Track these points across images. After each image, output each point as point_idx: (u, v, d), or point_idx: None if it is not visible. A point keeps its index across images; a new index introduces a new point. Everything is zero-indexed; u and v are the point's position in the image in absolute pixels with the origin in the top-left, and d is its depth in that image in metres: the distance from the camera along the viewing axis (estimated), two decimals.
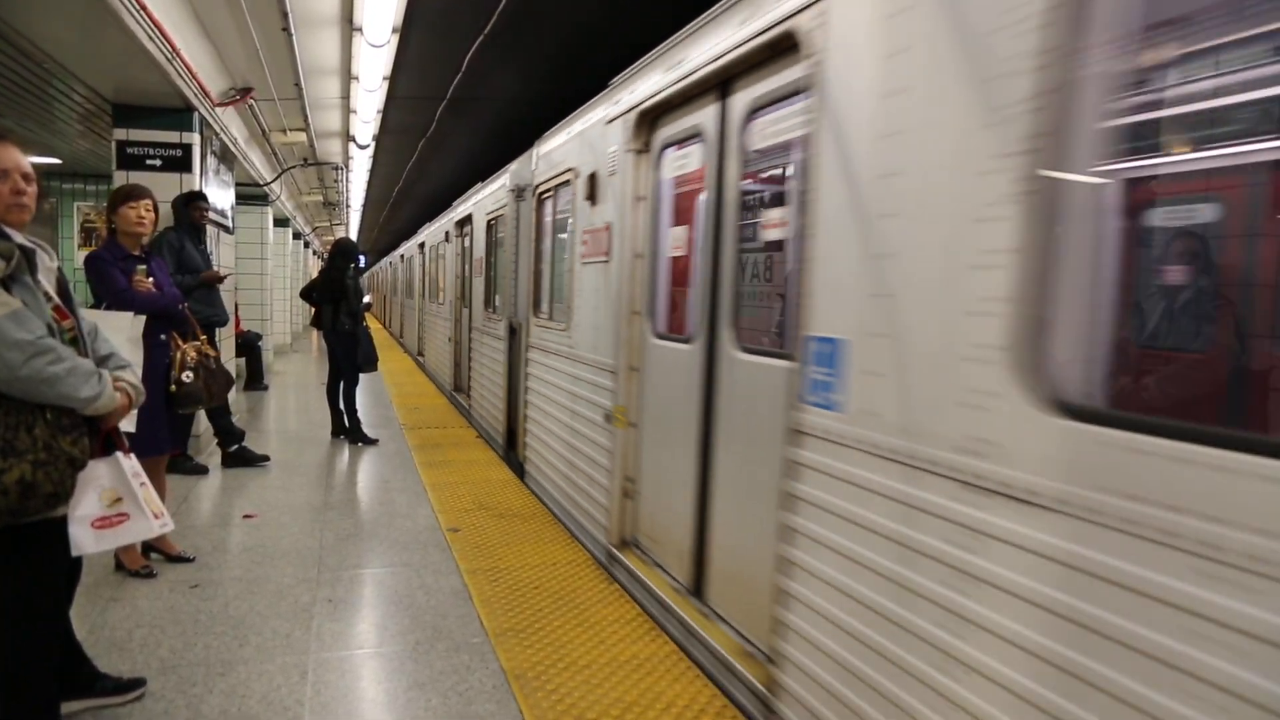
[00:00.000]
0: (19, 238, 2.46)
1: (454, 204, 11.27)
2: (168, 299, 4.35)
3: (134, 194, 4.28)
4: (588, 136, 5.07)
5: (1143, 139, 2.52)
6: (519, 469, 6.70)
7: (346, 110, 9.45)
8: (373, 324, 23.85)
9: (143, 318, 3.73)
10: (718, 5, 3.45)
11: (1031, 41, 1.76)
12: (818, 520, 2.53)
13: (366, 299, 8.62)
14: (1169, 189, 2.80)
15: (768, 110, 3.19)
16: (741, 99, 3.35)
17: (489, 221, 8.40)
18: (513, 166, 7.21)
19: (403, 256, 19.38)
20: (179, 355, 4.33)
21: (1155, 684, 1.49)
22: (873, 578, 2.25)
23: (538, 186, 6.32)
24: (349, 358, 7.80)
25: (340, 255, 8.01)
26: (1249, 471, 1.36)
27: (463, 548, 4.81)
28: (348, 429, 7.90)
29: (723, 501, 3.46)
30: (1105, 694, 1.58)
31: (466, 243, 10.01)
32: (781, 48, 2.94)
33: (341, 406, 7.93)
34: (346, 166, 13.53)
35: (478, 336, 8.92)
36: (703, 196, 3.69)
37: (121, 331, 3.50)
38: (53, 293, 2.57)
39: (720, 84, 3.48)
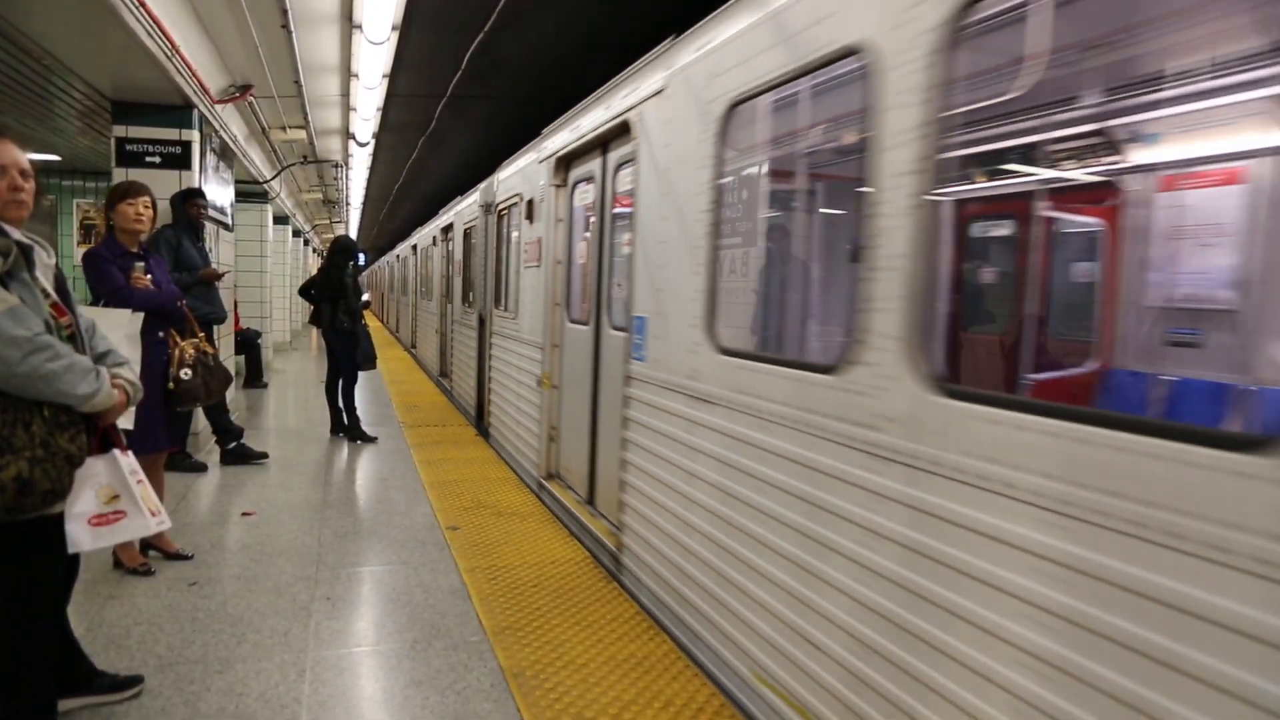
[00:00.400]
0: (17, 234, 2.46)
1: (440, 212, 12.77)
2: (165, 296, 4.35)
3: (131, 191, 4.27)
4: (527, 171, 6.59)
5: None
6: (485, 433, 8.24)
7: (346, 108, 9.44)
8: (372, 322, 23.91)
9: (140, 315, 3.72)
10: (594, 94, 5.05)
11: (706, 176, 3.33)
12: (638, 431, 4.00)
13: (365, 297, 8.63)
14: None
15: (625, 166, 4.55)
16: (613, 156, 4.80)
17: (465, 230, 9.83)
18: (481, 186, 8.80)
19: (399, 256, 21.00)
20: (177, 353, 4.33)
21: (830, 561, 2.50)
22: (665, 465, 3.66)
23: (496, 205, 7.91)
24: (348, 356, 7.80)
25: (340, 253, 8.01)
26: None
27: (461, 546, 4.81)
28: (347, 427, 7.90)
29: (603, 434, 4.92)
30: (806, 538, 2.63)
31: (450, 247, 11.39)
32: (624, 128, 4.36)
33: (340, 404, 7.92)
34: (346, 164, 13.52)
35: (456, 327, 10.54)
36: (593, 220, 5.23)
37: (119, 329, 3.49)
38: (50, 290, 2.56)
39: (601, 144, 4.94)
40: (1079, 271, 4.28)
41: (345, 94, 8.77)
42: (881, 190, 2.23)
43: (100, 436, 2.69)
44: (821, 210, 4.82)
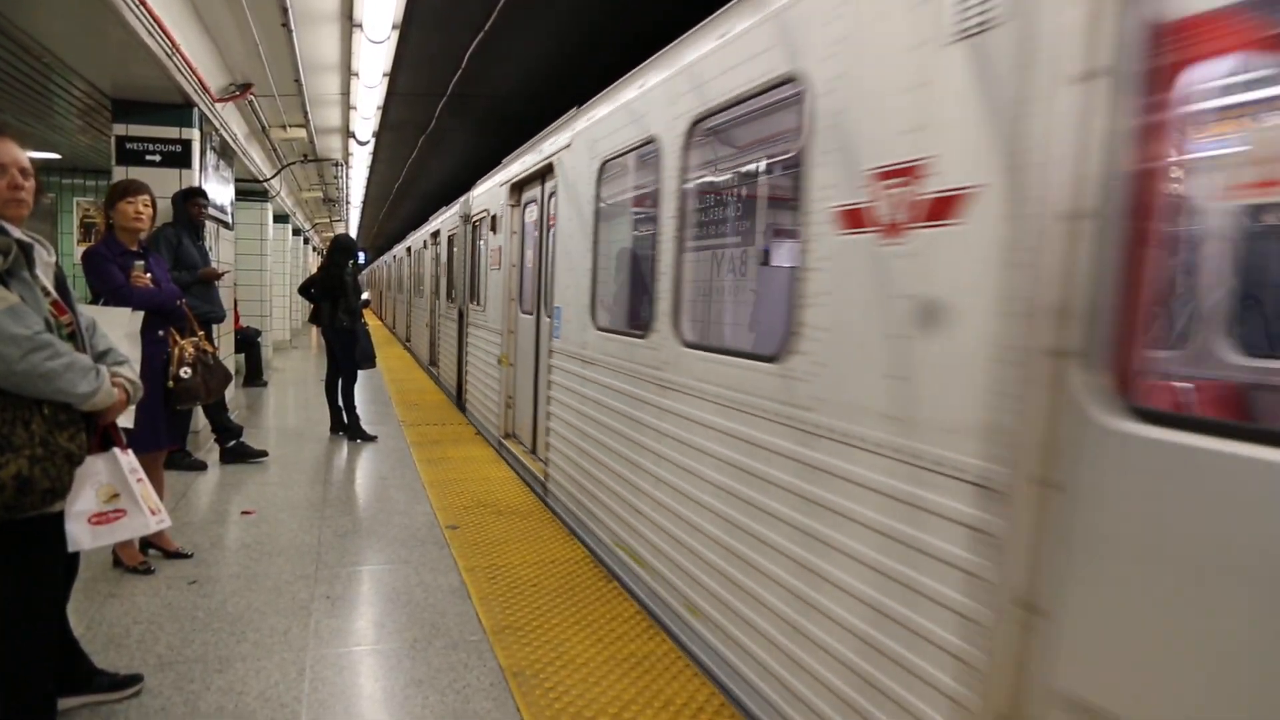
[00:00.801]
0: (17, 233, 2.45)
1: (429, 219, 14.31)
2: (165, 295, 4.35)
3: (131, 189, 4.27)
4: (492, 191, 8.12)
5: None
6: (463, 409, 9.74)
7: (346, 106, 9.44)
8: (371, 321, 23.92)
9: (140, 314, 3.71)
10: (534, 138, 6.56)
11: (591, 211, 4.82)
12: (555, 390, 5.40)
13: (365, 296, 8.64)
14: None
15: (555, 194, 5.73)
16: (549, 185, 6.10)
17: (449, 236, 11.28)
18: (461, 200, 10.32)
19: (395, 257, 22.26)
20: (177, 351, 4.33)
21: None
22: (569, 409, 5.11)
23: (470, 217, 9.48)
24: (347, 354, 7.79)
25: (339, 251, 8.00)
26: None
27: (461, 545, 4.81)
28: (346, 425, 7.90)
29: (541, 398, 6.01)
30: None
31: (437, 250, 12.77)
32: (550, 168, 5.87)
33: (340, 403, 7.92)
34: (346, 163, 13.52)
35: (442, 321, 12.14)
36: (536, 234, 6.75)
37: (119, 327, 3.48)
38: (50, 288, 2.56)
39: (541, 174, 6.30)
40: None
41: (345, 93, 8.77)
42: (812, 210, 2.63)
43: (100, 435, 2.69)
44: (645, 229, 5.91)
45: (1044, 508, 1.75)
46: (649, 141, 3.95)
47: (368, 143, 11.19)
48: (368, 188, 17.85)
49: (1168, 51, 1.65)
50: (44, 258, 2.58)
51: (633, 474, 4.07)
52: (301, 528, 5.08)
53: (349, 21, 6.47)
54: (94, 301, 4.16)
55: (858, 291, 2.36)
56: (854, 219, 2.39)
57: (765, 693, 2.83)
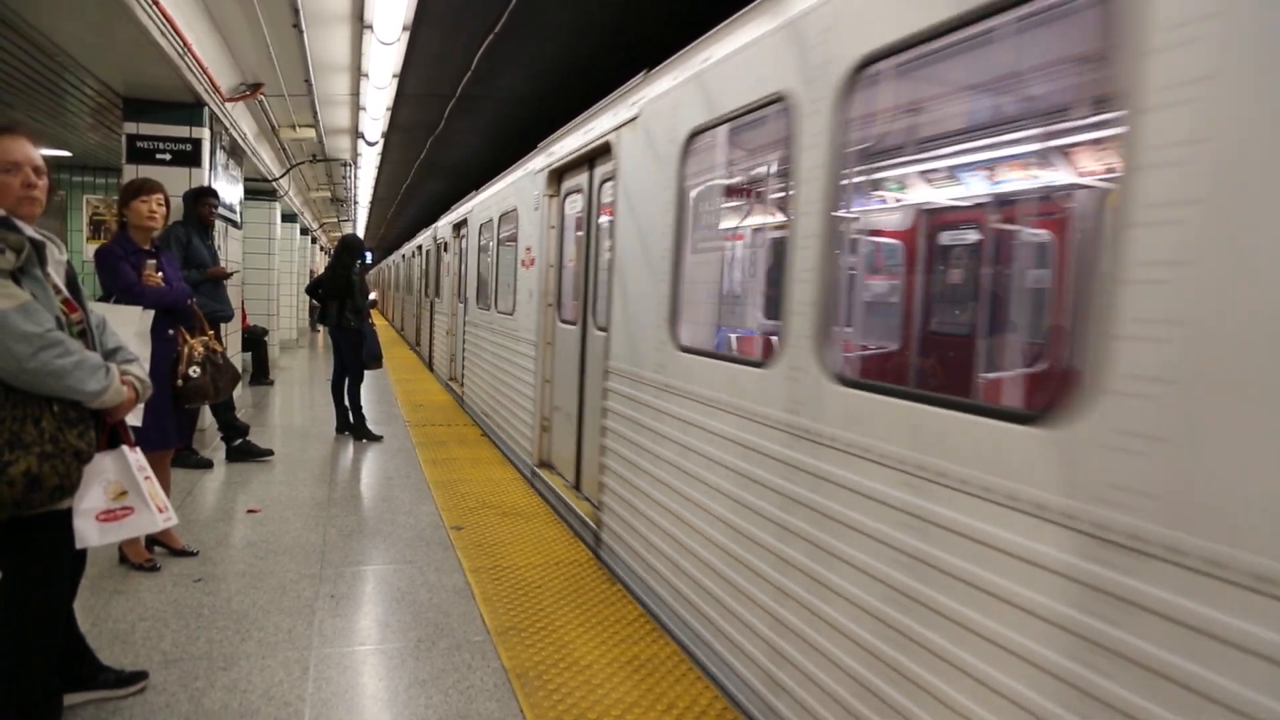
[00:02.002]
0: (29, 230, 2.47)
1: (432, 225, 15.08)
2: (176, 294, 4.37)
3: (145, 188, 4.28)
4: (474, 211, 9.83)
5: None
6: (459, 398, 10.56)
7: (356, 107, 9.46)
8: (379, 321, 24.08)
9: (151, 312, 3.72)
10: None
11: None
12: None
13: (371, 296, 8.65)
14: None
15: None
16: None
17: (445, 242, 12.67)
18: (451, 214, 12.03)
19: (404, 257, 22.41)
20: (186, 350, 4.34)
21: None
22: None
23: (458, 227, 11.21)
24: (354, 354, 7.81)
25: (346, 252, 8.03)
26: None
27: (466, 546, 4.82)
28: (352, 425, 7.92)
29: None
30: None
31: (441, 252, 13.48)
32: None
33: (346, 403, 7.94)
34: (355, 163, 13.55)
35: (438, 317, 13.48)
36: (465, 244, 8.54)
37: (130, 325, 3.50)
38: (62, 286, 2.58)
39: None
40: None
41: (355, 93, 8.79)
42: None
43: (108, 432, 2.70)
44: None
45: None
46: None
47: (376, 143, 11.21)
48: (375, 188, 17.87)
49: None
50: (55, 255, 2.60)
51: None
52: (307, 527, 5.10)
53: (359, 23, 6.49)
54: (104, 299, 4.17)
55: None
56: None
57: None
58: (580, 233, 5.74)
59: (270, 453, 6.85)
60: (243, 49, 7.07)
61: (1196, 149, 1.48)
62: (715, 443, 3.24)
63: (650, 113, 4.08)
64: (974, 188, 3.46)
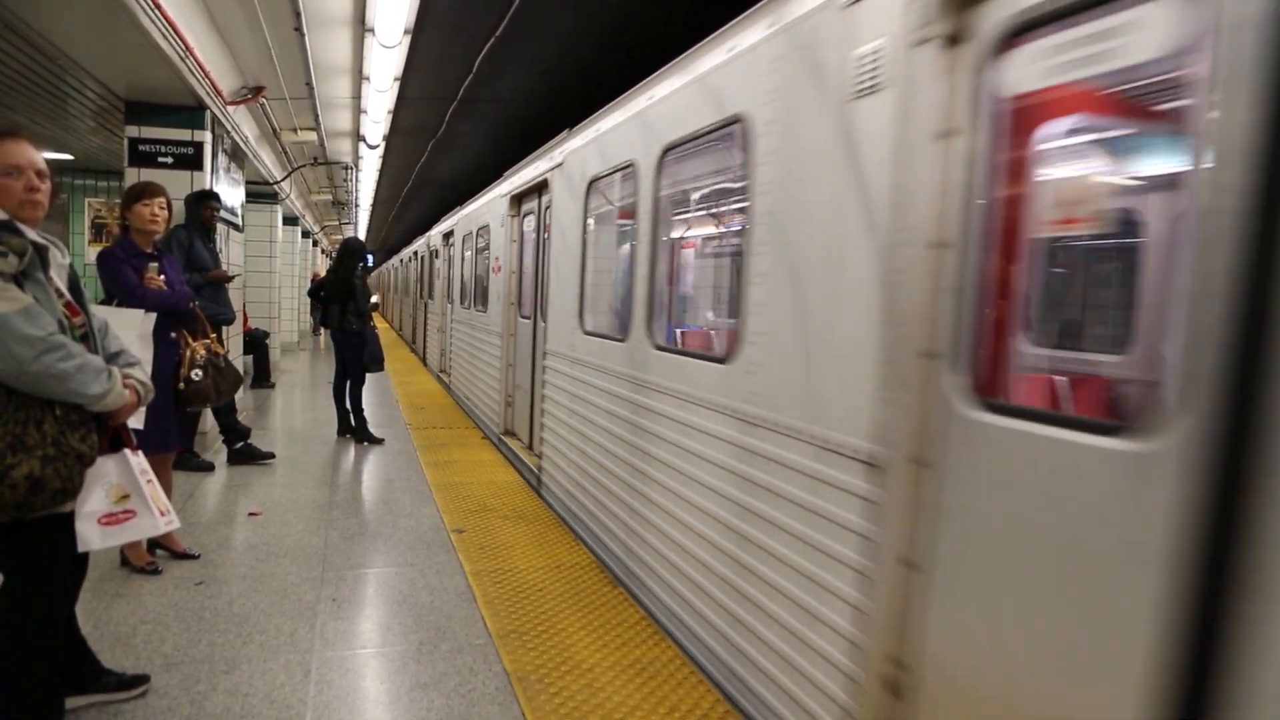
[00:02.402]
0: (32, 234, 2.47)
1: (426, 233, 16.28)
2: (179, 297, 4.37)
3: (148, 191, 4.28)
4: (459, 223, 11.27)
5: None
6: (446, 385, 11.94)
7: (357, 110, 9.47)
8: (379, 324, 24.17)
9: (153, 315, 3.72)
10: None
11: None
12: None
13: (373, 299, 8.68)
14: None
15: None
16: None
17: (436, 249, 13.98)
18: (442, 225, 13.17)
19: (401, 261, 24.03)
20: (188, 353, 4.35)
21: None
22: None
23: (449, 237, 12.24)
24: (355, 357, 7.81)
25: (348, 255, 8.03)
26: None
27: (467, 549, 4.81)
28: (353, 428, 7.92)
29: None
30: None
31: (434, 259, 14.66)
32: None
33: (348, 405, 7.94)
34: (356, 166, 13.57)
35: (431, 316, 14.87)
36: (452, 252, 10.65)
37: (132, 329, 3.50)
38: (64, 289, 2.58)
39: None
40: None
41: (356, 96, 8.80)
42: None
43: (111, 436, 2.70)
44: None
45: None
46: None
47: (378, 146, 11.22)
48: (377, 191, 17.89)
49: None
50: (58, 259, 2.60)
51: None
52: (308, 530, 5.09)
53: (361, 26, 6.50)
54: (106, 302, 4.17)
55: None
56: None
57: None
58: (532, 246, 7.23)
59: (272, 455, 6.85)
60: (244, 52, 7.08)
61: (770, 217, 2.95)
62: (598, 394, 4.77)
63: (569, 161, 5.58)
64: (709, 228, 5.72)
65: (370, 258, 22.18)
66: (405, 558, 4.66)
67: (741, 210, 3.36)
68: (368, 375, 8.01)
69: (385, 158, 12.87)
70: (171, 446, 4.38)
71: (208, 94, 6.60)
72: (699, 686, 3.26)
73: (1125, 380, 2.76)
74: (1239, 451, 1.51)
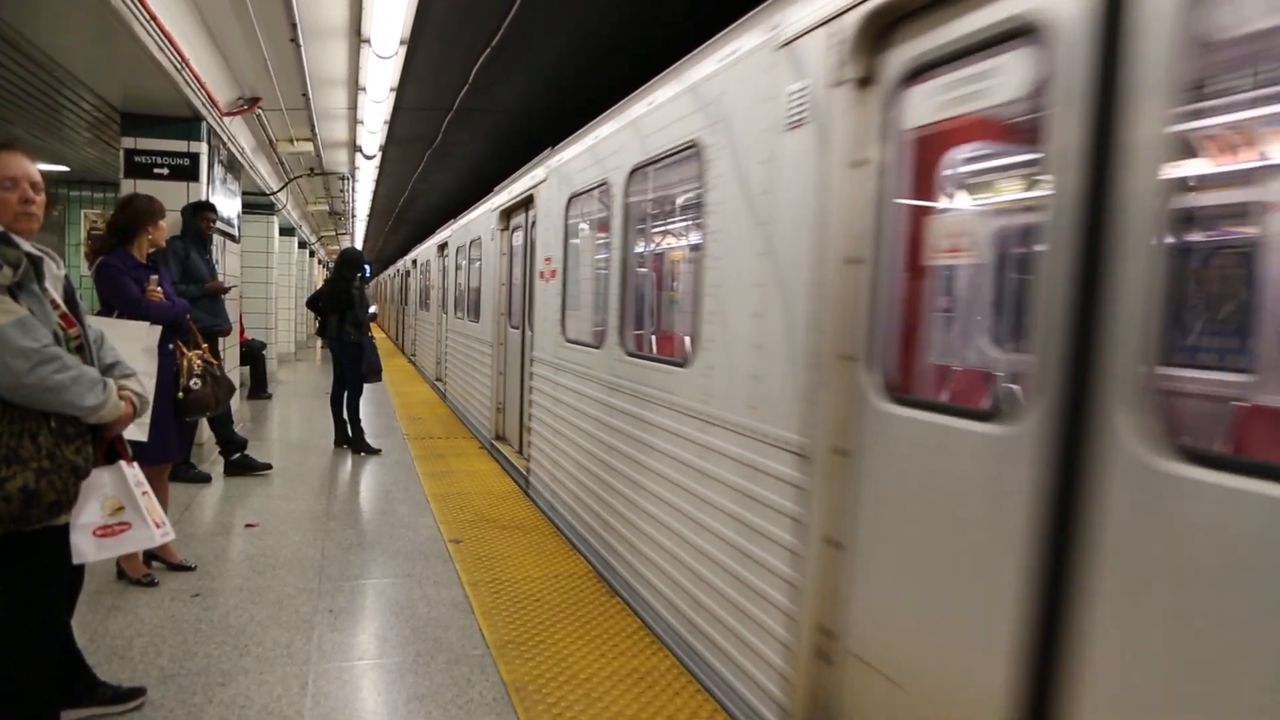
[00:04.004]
0: (27, 246, 2.46)
1: (420, 246, 17.42)
2: (178, 309, 4.41)
3: (162, 210, 4.45)
4: (450, 237, 11.81)
5: None
6: (442, 394, 12.23)
7: (353, 121, 9.48)
8: (377, 334, 24.23)
9: (158, 327, 3.76)
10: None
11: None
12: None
13: (371, 309, 8.68)
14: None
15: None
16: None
17: (428, 261, 14.87)
18: (436, 238, 13.78)
19: (399, 271, 24.59)
20: (185, 363, 4.37)
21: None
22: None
23: (441, 248, 12.90)
24: (353, 367, 7.81)
25: (346, 265, 8.04)
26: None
27: (464, 559, 4.80)
28: (351, 438, 7.90)
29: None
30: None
31: (427, 271, 15.44)
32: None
33: (345, 416, 7.93)
34: (353, 176, 13.57)
35: (422, 326, 16.18)
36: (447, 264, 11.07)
37: (138, 341, 3.55)
38: (60, 300, 2.58)
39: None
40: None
41: (352, 107, 8.81)
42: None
43: (106, 448, 2.69)
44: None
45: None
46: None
47: (374, 157, 11.23)
48: (374, 201, 17.90)
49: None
50: (53, 270, 2.60)
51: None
52: (305, 541, 5.08)
53: (357, 37, 6.50)
54: (105, 313, 4.17)
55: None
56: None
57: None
58: (520, 258, 7.51)
59: (269, 466, 6.83)
60: (240, 63, 7.09)
61: (720, 234, 3.26)
62: (578, 398, 5.11)
63: (551, 179, 5.90)
64: (673, 243, 5.83)
65: (368, 268, 22.27)
66: (403, 568, 4.65)
67: (698, 227, 3.56)
68: (365, 385, 8.01)
69: (382, 168, 12.87)
70: (172, 458, 4.39)
71: (204, 105, 6.61)
72: (696, 696, 3.24)
73: (998, 376, 3.00)
74: (1077, 436, 1.82)
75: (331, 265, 9.87)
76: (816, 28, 2.66)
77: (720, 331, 3.24)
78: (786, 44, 2.82)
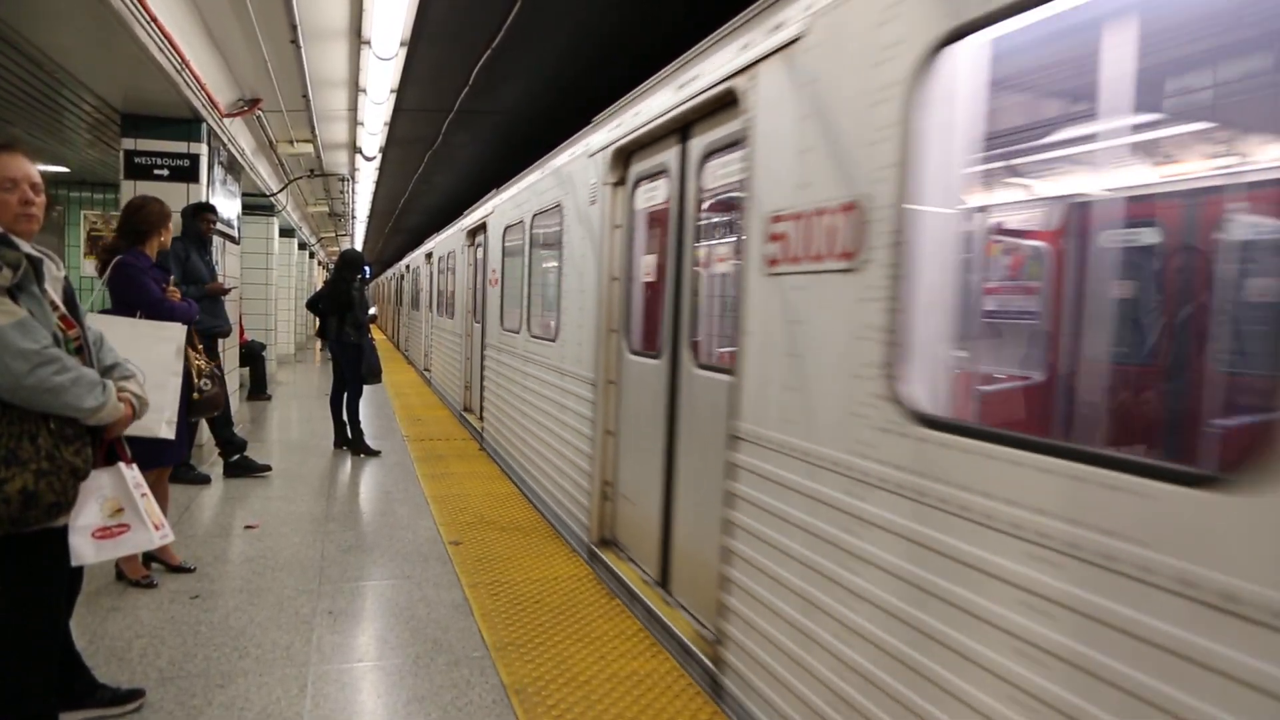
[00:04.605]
0: (26, 247, 2.46)
1: (410, 254, 19.35)
2: (192, 310, 4.48)
3: (169, 213, 4.48)
4: (443, 242, 12.77)
5: None
6: (428, 380, 14.06)
7: (354, 122, 9.49)
8: (377, 335, 24.29)
9: (185, 327, 3.84)
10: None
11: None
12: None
13: (371, 310, 8.70)
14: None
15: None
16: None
17: (419, 267, 16.27)
18: (427, 244, 15.13)
19: (395, 273, 25.97)
20: (196, 365, 4.43)
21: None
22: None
23: (429, 256, 14.46)
24: (353, 369, 7.80)
25: (346, 266, 8.04)
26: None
27: (464, 561, 4.80)
28: (350, 440, 7.90)
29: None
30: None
31: (418, 274, 16.77)
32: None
33: (345, 417, 7.92)
34: (353, 178, 13.57)
35: (413, 323, 18.08)
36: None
37: (172, 341, 3.66)
38: (59, 302, 2.57)
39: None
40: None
41: (353, 108, 8.81)
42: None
43: (105, 449, 2.69)
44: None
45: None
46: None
47: (374, 158, 11.24)
48: (374, 202, 17.91)
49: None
50: (53, 272, 2.59)
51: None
52: (305, 542, 5.08)
53: (357, 38, 6.51)
54: (125, 313, 4.11)
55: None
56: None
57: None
58: (481, 268, 9.20)
59: (268, 468, 6.83)
60: (241, 64, 7.09)
61: (569, 260, 5.45)
62: (510, 370, 6.90)
63: (496, 211, 7.96)
64: (554, 264, 6.37)
65: (368, 269, 22.30)
66: (402, 570, 4.64)
67: (560, 254, 5.59)
68: (365, 387, 8.00)
69: (382, 170, 12.88)
70: (182, 458, 4.45)
71: (204, 106, 6.61)
72: (696, 698, 3.24)
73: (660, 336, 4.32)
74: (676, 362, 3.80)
75: (331, 266, 9.90)
76: (600, 150, 4.74)
77: (570, 320, 5.31)
78: (591, 155, 4.84)
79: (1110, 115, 2.62)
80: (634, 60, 6.60)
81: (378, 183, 14.47)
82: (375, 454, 7.79)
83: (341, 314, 7.76)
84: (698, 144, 3.72)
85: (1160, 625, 1.48)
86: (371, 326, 8.36)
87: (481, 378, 8.64)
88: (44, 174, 2.60)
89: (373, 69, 7.04)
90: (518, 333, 6.76)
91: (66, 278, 2.70)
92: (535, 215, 6.32)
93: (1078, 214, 3.41)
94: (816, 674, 2.49)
